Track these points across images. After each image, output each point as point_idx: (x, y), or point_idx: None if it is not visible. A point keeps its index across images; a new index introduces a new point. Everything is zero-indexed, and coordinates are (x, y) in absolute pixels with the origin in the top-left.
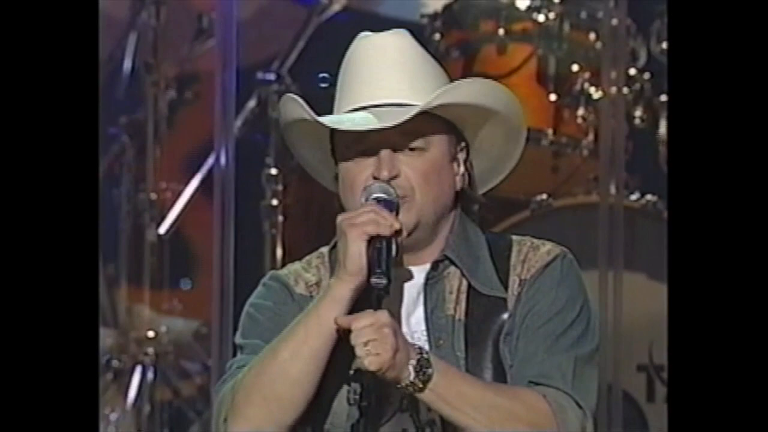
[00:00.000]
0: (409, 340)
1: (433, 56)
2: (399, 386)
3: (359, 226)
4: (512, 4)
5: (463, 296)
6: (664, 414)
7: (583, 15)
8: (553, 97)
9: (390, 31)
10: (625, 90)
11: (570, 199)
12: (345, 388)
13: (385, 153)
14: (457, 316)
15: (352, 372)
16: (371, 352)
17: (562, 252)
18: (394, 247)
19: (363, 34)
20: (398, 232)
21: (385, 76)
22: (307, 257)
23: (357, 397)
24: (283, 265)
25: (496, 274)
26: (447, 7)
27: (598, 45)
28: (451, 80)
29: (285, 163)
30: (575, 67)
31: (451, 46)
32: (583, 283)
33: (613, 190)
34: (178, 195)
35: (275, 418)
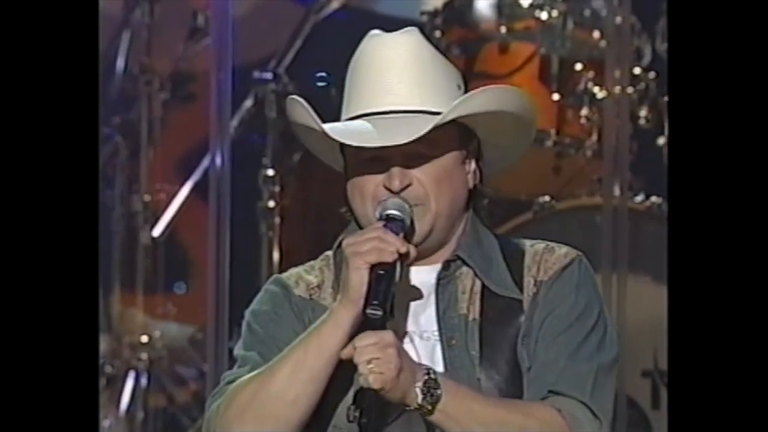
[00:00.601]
0: (418, 339)
1: (443, 54)
2: (408, 408)
3: (362, 255)
4: (515, 2)
5: (477, 296)
6: None
7: (587, 13)
8: (556, 96)
9: (400, 31)
10: (630, 89)
11: (573, 201)
12: (346, 404)
13: (396, 165)
14: (470, 315)
15: (354, 391)
16: (374, 370)
17: (578, 255)
18: (397, 274)
19: (373, 32)
20: (404, 256)
21: (395, 81)
22: (311, 262)
23: (357, 414)
24: (281, 268)
25: (510, 275)
26: (447, 4)
27: (602, 43)
28: (464, 78)
29: (282, 163)
30: (578, 66)
31: (452, 44)
32: (599, 288)
33: (617, 191)
34: (172, 197)
35: None
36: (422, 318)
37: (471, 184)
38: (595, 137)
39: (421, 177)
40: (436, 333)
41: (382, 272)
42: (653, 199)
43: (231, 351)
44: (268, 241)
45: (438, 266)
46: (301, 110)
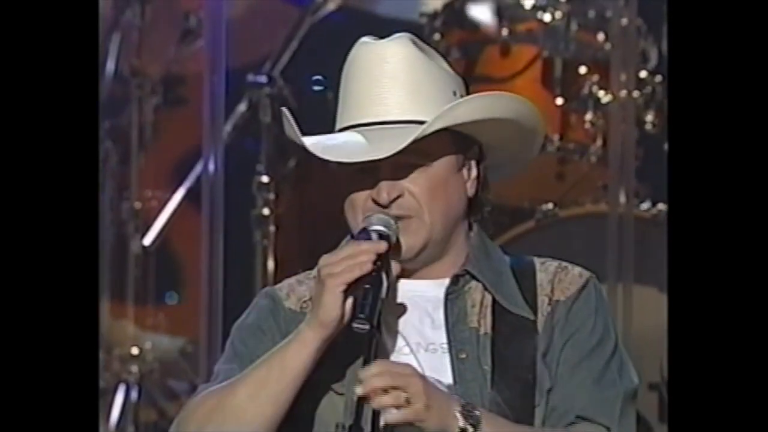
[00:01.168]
0: (423, 351)
1: (444, 57)
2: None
3: (337, 276)
4: (517, 3)
5: (488, 310)
6: None
7: (591, 14)
8: (559, 101)
9: (391, 38)
10: (636, 93)
11: (577, 209)
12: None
13: (384, 177)
14: (482, 330)
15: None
16: (400, 400)
17: (591, 276)
18: (384, 288)
19: (363, 39)
20: (388, 265)
21: (384, 90)
22: (309, 272)
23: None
24: (275, 278)
25: (521, 292)
26: (447, 6)
27: (607, 46)
28: (465, 83)
29: (277, 170)
30: (583, 70)
31: (452, 46)
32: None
33: (622, 198)
34: (163, 204)
35: None
36: (427, 331)
37: (470, 192)
38: (599, 143)
39: (412, 188)
40: (444, 345)
41: (368, 286)
42: (660, 206)
43: None
44: (262, 250)
45: (441, 281)
46: (286, 122)
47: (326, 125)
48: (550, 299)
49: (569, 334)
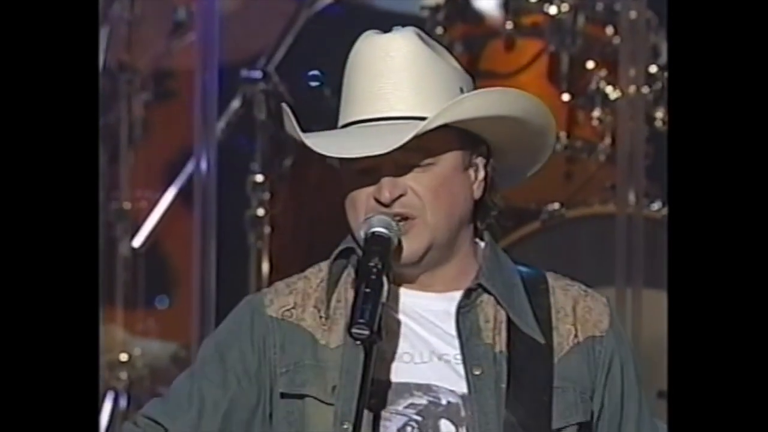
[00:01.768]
0: (436, 360)
1: (451, 53)
2: None
3: None
4: None
5: (502, 326)
6: None
7: (599, 7)
8: (566, 97)
9: (396, 32)
10: (645, 89)
11: (585, 209)
12: None
13: (386, 176)
14: (497, 347)
15: None
16: None
17: (607, 298)
18: (384, 292)
19: (367, 33)
20: (390, 269)
21: (388, 86)
22: (303, 273)
23: None
24: (270, 281)
25: (531, 309)
26: None
27: (616, 40)
28: (472, 79)
29: (272, 169)
30: (590, 64)
31: (455, 40)
32: None
33: (631, 198)
34: (154, 204)
35: None
36: (438, 342)
37: (477, 194)
38: (608, 140)
39: (415, 186)
40: (458, 357)
41: (368, 289)
42: None
43: None
44: (256, 253)
45: (448, 294)
46: (286, 119)
47: (323, 122)
48: (576, 330)
49: (618, 375)
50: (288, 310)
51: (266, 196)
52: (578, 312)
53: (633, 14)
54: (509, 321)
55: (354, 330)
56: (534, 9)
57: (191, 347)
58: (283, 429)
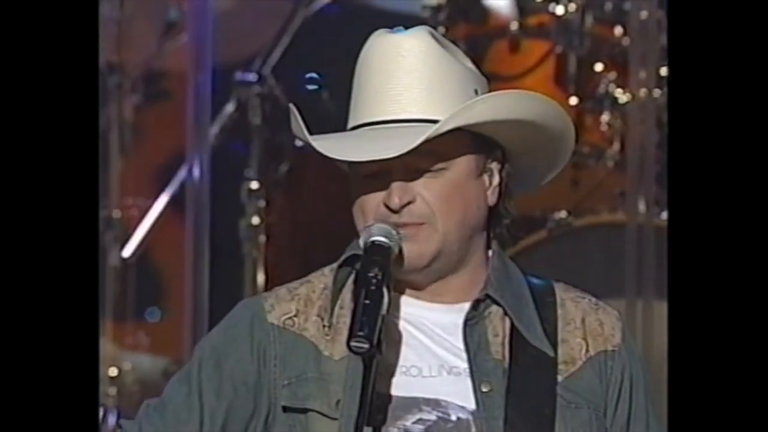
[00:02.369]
0: (446, 373)
1: (467, 54)
2: None
3: None
4: None
5: (508, 340)
6: None
7: (608, 6)
8: (573, 100)
9: (409, 31)
10: (656, 92)
11: (593, 218)
12: None
13: (396, 180)
14: (506, 362)
15: None
16: None
17: (618, 312)
18: (384, 304)
19: (378, 31)
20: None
21: (400, 87)
22: (307, 277)
23: None
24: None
25: (540, 321)
26: None
27: (626, 41)
28: (487, 81)
29: (268, 175)
30: (599, 67)
31: (457, 41)
32: None
33: (642, 207)
34: (144, 212)
35: None
36: (446, 355)
37: (491, 201)
38: (617, 146)
39: (425, 193)
40: (467, 370)
41: (367, 301)
42: None
43: None
44: (251, 263)
45: (456, 306)
46: (293, 119)
47: (321, 127)
48: (587, 344)
49: (629, 390)
50: (290, 318)
51: (261, 203)
52: (588, 325)
53: (643, 14)
54: (513, 332)
55: (353, 343)
56: (540, 9)
57: (183, 362)
58: None
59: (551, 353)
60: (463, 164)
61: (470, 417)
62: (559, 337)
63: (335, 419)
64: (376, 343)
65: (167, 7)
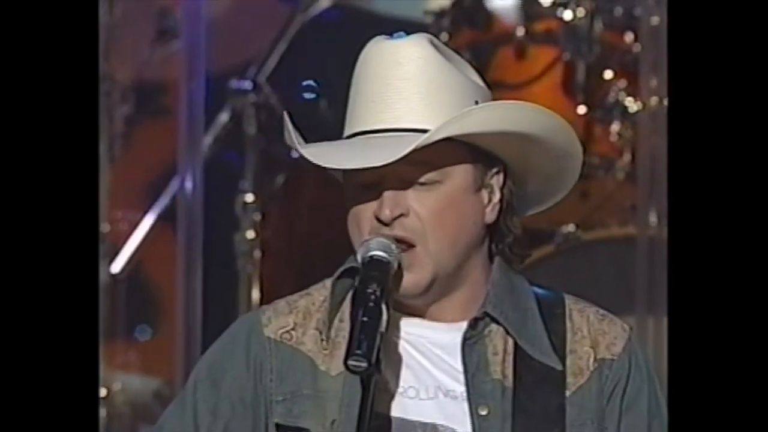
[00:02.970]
0: (442, 396)
1: (471, 64)
2: None
3: None
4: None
5: (510, 357)
6: None
7: (618, 12)
8: (582, 109)
9: (407, 38)
10: (667, 101)
11: (602, 231)
12: None
13: (388, 191)
14: (507, 382)
15: None
16: None
17: (631, 329)
18: (383, 321)
19: (377, 38)
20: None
21: (396, 95)
22: (309, 289)
23: None
24: None
25: (547, 334)
26: (456, 3)
27: (636, 48)
28: (490, 91)
29: (263, 188)
30: (608, 74)
31: (461, 48)
32: None
33: (653, 220)
34: (135, 226)
35: None
36: (444, 377)
37: (489, 218)
38: (627, 157)
39: (417, 208)
40: (464, 393)
41: (365, 318)
42: None
43: None
44: (246, 279)
45: (455, 325)
46: (285, 128)
47: (318, 137)
48: (594, 353)
49: (631, 401)
50: (287, 331)
51: (257, 216)
52: (593, 333)
53: (654, 20)
54: (517, 350)
55: (350, 362)
56: (547, 14)
57: (175, 383)
58: None
59: (559, 367)
60: (459, 177)
61: None
62: (568, 348)
63: None
64: (374, 361)
65: (160, 12)
